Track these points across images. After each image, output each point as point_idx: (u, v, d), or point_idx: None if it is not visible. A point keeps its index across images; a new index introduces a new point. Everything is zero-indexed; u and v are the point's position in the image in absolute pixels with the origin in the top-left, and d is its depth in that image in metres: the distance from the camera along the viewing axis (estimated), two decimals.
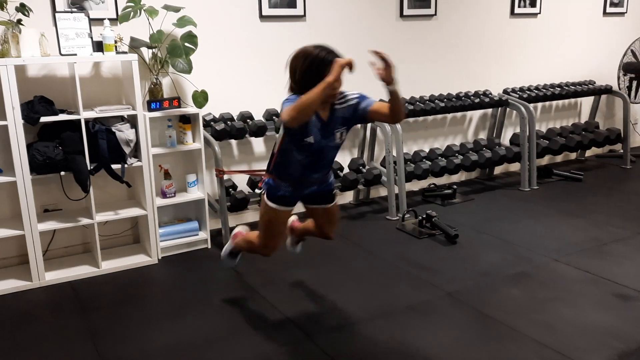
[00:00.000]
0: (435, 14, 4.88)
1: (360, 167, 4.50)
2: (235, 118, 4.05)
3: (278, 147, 2.59)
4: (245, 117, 4.04)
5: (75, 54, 3.24)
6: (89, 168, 3.31)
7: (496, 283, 3.28)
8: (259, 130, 3.97)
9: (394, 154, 4.40)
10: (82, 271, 3.48)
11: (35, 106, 3.19)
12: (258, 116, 4.19)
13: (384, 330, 2.79)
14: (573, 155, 6.17)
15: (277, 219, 2.67)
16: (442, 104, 4.77)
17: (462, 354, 2.59)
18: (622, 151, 5.86)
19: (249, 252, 2.99)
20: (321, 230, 2.90)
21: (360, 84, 4.93)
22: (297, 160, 2.54)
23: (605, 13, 6.00)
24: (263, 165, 4.31)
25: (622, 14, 6.13)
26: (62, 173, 3.29)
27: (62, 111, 3.33)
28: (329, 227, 2.87)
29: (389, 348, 2.64)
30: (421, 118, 5.00)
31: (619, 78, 5.93)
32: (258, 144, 4.32)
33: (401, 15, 4.71)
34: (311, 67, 2.36)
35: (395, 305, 3.04)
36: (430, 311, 2.97)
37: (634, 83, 5.93)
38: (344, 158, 4.68)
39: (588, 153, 6.22)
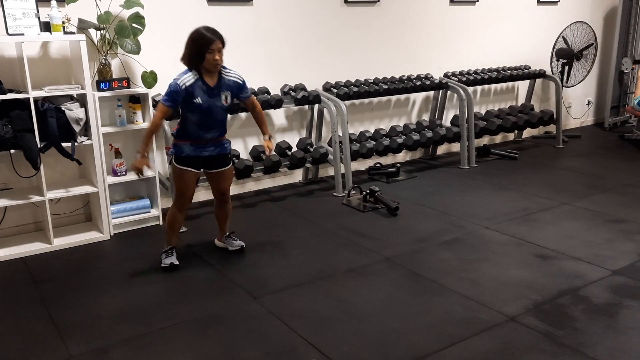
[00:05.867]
0: (379, 1, 5.10)
1: (308, 147, 4.69)
2: None
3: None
4: None
5: (23, 34, 3.31)
6: (39, 146, 3.39)
7: (430, 248, 3.54)
8: None
9: (340, 133, 4.61)
10: (34, 247, 3.56)
11: None
12: None
13: (325, 290, 3.01)
14: (511, 136, 6.54)
15: (184, 177, 3.20)
16: (385, 87, 5.01)
17: (394, 306, 2.83)
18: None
19: (172, 226, 3.32)
20: (218, 190, 3.36)
21: (302, 65, 5.02)
22: (191, 121, 3.11)
23: (539, 2, 6.37)
24: None
25: (555, 2, 6.52)
26: (12, 151, 3.36)
27: (11, 91, 3.39)
28: (223, 183, 3.34)
29: (329, 304, 2.86)
30: (367, 100, 5.23)
31: (552, 63, 6.31)
32: None
33: (345, 1, 4.91)
34: (195, 43, 2.98)
35: (336, 269, 3.26)
36: (368, 273, 3.20)
37: (566, 68, 6.32)
38: (292, 138, 4.86)
39: (525, 134, 6.60)
